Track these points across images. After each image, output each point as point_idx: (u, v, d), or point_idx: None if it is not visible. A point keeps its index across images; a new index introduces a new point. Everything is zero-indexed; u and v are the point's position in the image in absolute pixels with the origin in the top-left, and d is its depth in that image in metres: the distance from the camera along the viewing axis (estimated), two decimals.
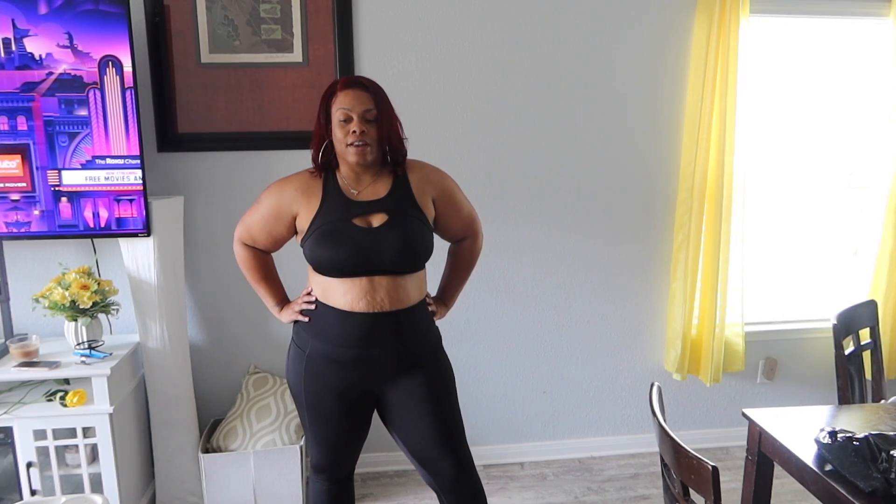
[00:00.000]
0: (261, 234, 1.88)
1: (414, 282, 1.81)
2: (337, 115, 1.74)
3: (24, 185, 2.27)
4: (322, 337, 1.80)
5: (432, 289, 2.01)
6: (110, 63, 2.22)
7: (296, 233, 1.85)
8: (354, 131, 1.72)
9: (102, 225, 2.33)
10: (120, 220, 2.33)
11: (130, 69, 2.24)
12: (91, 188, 2.30)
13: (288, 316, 1.90)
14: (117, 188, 2.31)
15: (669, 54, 2.79)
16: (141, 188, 2.31)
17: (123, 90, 2.25)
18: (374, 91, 1.76)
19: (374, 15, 2.61)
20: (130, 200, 2.31)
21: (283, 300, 1.97)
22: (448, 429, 1.87)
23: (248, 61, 2.56)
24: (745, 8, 2.68)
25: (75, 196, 2.30)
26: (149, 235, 2.36)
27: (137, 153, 2.29)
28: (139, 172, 2.30)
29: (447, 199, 1.90)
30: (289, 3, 2.54)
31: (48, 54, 2.20)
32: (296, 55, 2.58)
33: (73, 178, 2.28)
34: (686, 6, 2.75)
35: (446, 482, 1.89)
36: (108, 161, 2.28)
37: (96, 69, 2.22)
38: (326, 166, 1.82)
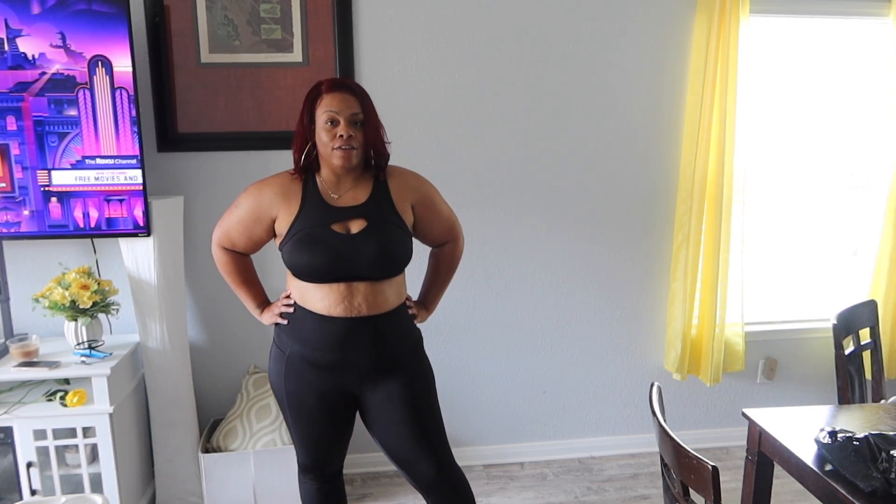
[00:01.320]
0: (240, 237, 1.86)
1: (392, 286, 1.80)
2: (323, 117, 1.72)
3: (4, 185, 2.26)
4: (301, 340, 1.80)
5: (414, 292, 2.02)
6: (100, 63, 2.22)
7: (274, 235, 1.84)
8: (342, 135, 1.70)
9: (93, 225, 2.32)
10: (110, 220, 2.33)
11: (122, 69, 2.23)
12: (81, 188, 2.29)
13: (268, 318, 1.90)
14: (107, 188, 2.30)
15: (669, 54, 2.79)
16: (131, 188, 2.30)
17: (113, 90, 2.24)
18: (360, 95, 1.75)
19: (374, 15, 2.61)
20: (121, 200, 2.31)
21: (263, 302, 1.96)
22: (425, 430, 1.86)
23: (248, 61, 2.57)
24: (745, 8, 2.68)
25: (65, 196, 2.29)
26: (149, 235, 2.36)
27: (128, 153, 2.28)
28: (130, 172, 2.29)
29: (427, 205, 1.89)
30: (289, 3, 2.54)
31: (41, 54, 2.20)
32: (296, 55, 2.58)
33: (62, 179, 2.28)
34: (686, 6, 2.75)
35: (425, 483, 1.90)
36: (99, 161, 2.28)
37: (85, 69, 2.22)
38: (307, 169, 1.80)
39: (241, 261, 1.94)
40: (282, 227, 1.78)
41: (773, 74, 2.94)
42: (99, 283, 2.36)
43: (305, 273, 1.75)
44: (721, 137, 2.74)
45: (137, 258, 2.40)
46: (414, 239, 1.89)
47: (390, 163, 1.86)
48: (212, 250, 1.94)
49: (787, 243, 3.15)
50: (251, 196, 1.82)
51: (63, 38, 2.20)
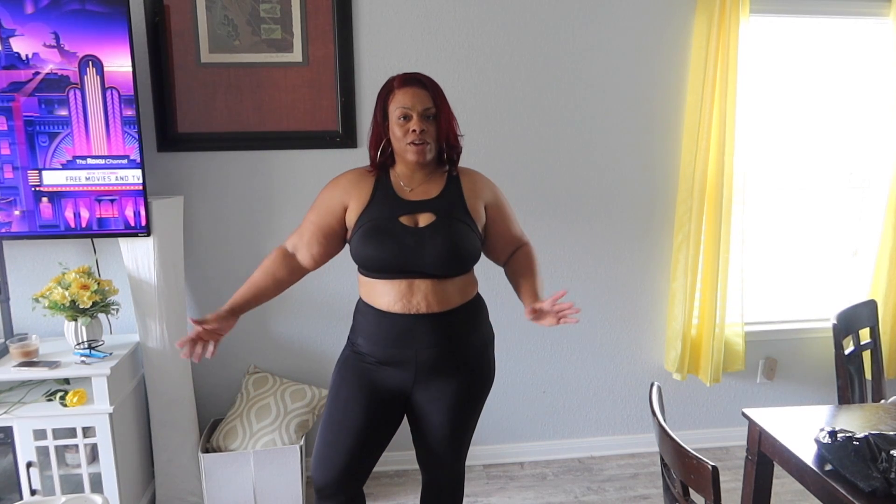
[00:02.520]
0: (310, 228, 1.81)
1: (457, 285, 1.78)
2: (396, 112, 1.72)
3: None
4: (365, 335, 1.81)
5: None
6: (90, 63, 2.21)
7: (346, 229, 1.82)
8: (414, 130, 1.70)
9: (84, 225, 2.32)
10: (101, 221, 2.32)
11: (113, 69, 2.22)
12: (72, 188, 2.28)
13: (207, 316, 1.75)
14: (98, 188, 2.29)
15: (669, 54, 2.79)
16: (122, 188, 2.30)
17: (104, 90, 2.24)
18: (432, 88, 1.75)
19: (374, 15, 2.61)
20: (112, 201, 2.30)
21: (241, 302, 1.82)
22: (456, 438, 1.88)
23: (247, 61, 2.56)
24: (745, 8, 2.68)
25: (56, 196, 2.29)
26: (148, 235, 2.36)
27: (119, 153, 2.28)
28: (121, 172, 2.29)
29: (499, 207, 1.87)
30: (289, 3, 2.54)
31: (35, 54, 2.19)
32: (295, 55, 2.58)
33: (53, 179, 2.27)
34: (686, 6, 2.75)
35: (430, 472, 1.99)
36: (90, 161, 2.27)
37: (76, 69, 2.21)
38: (383, 165, 1.81)
39: (274, 268, 1.84)
40: (351, 218, 1.78)
41: (774, 74, 2.94)
42: (99, 283, 2.36)
43: (371, 266, 1.75)
44: (721, 137, 2.74)
45: (137, 258, 2.40)
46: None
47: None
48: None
49: (787, 243, 3.15)
50: (326, 190, 1.84)
51: (57, 38, 2.19)
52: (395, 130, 1.73)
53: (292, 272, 1.87)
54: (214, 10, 2.52)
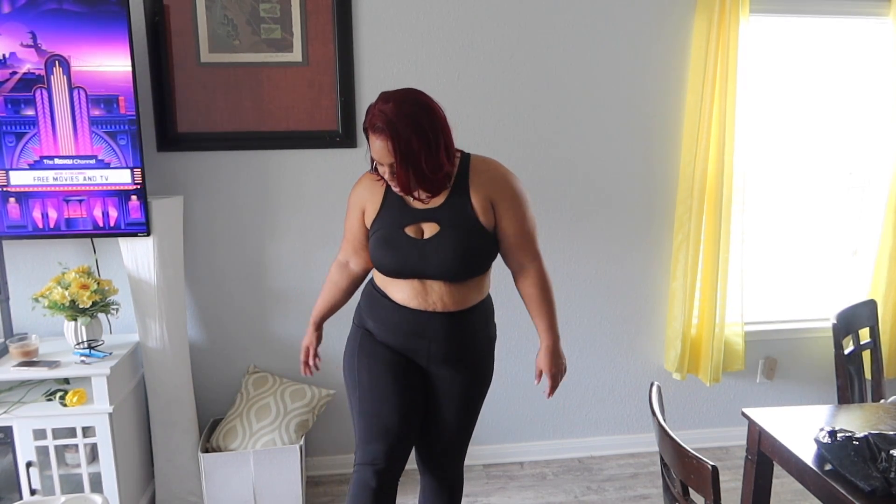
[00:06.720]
0: (350, 238, 1.91)
1: (472, 285, 1.79)
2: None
3: None
4: (377, 321, 1.84)
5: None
6: (57, 62, 2.19)
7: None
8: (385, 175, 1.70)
9: (52, 226, 2.30)
10: (69, 221, 2.31)
11: (80, 68, 2.20)
12: (39, 189, 2.27)
13: (305, 339, 2.02)
14: (65, 188, 2.28)
15: (669, 54, 2.79)
16: (91, 188, 2.29)
17: (71, 89, 2.22)
18: (393, 136, 1.60)
19: (374, 15, 2.61)
20: (80, 201, 2.29)
21: (321, 319, 2.02)
22: (458, 435, 1.94)
23: (247, 61, 2.56)
24: (745, 8, 2.68)
25: (23, 196, 2.28)
26: (148, 235, 2.36)
27: (86, 153, 2.26)
28: (88, 172, 2.28)
29: (507, 203, 1.75)
30: (288, 2, 2.54)
31: (12, 54, 2.18)
32: (295, 55, 2.58)
33: (20, 179, 2.26)
34: (686, 6, 2.75)
35: (428, 468, 2.01)
36: (57, 161, 2.26)
37: (43, 68, 2.19)
38: None
39: (339, 279, 1.98)
40: (367, 221, 1.82)
41: (773, 74, 2.94)
42: (98, 283, 2.36)
43: (382, 271, 1.79)
44: (721, 137, 2.74)
45: (137, 258, 2.40)
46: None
47: (481, 154, 1.83)
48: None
49: (786, 243, 3.15)
50: (350, 197, 1.88)
51: (34, 38, 2.18)
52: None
53: (353, 280, 1.99)
54: (214, 9, 2.51)
